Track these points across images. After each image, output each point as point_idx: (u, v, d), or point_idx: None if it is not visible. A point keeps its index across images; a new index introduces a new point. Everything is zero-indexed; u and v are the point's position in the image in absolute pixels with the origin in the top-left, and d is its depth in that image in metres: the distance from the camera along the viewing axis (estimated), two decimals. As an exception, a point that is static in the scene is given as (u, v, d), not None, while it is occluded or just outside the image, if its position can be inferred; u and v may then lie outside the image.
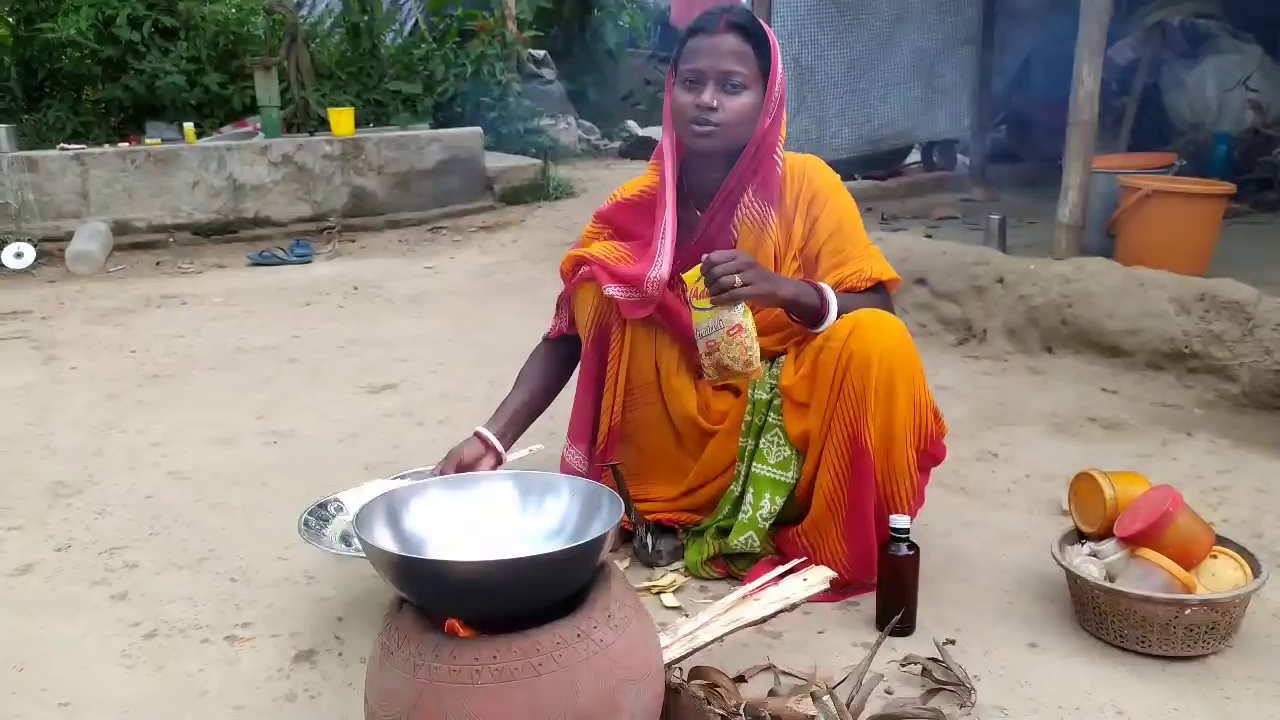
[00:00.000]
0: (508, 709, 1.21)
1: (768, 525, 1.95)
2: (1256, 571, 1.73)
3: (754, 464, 1.96)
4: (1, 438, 2.94)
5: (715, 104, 1.88)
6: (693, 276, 1.82)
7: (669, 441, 2.10)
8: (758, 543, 1.95)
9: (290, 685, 1.70)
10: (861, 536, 1.86)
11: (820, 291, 1.90)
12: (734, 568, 2.01)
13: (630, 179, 2.17)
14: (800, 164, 2.04)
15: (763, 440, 1.96)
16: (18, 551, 2.22)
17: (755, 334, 1.81)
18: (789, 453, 1.94)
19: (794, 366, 1.94)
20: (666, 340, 2.04)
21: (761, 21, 1.98)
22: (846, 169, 4.39)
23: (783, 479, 1.94)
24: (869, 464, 1.82)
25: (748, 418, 1.98)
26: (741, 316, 1.79)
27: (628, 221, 2.13)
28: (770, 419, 1.95)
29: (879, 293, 2.00)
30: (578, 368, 2.16)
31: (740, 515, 1.97)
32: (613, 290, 1.98)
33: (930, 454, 1.93)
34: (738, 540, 1.96)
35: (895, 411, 1.81)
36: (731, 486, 2.01)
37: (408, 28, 8.52)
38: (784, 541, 1.98)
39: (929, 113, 5.46)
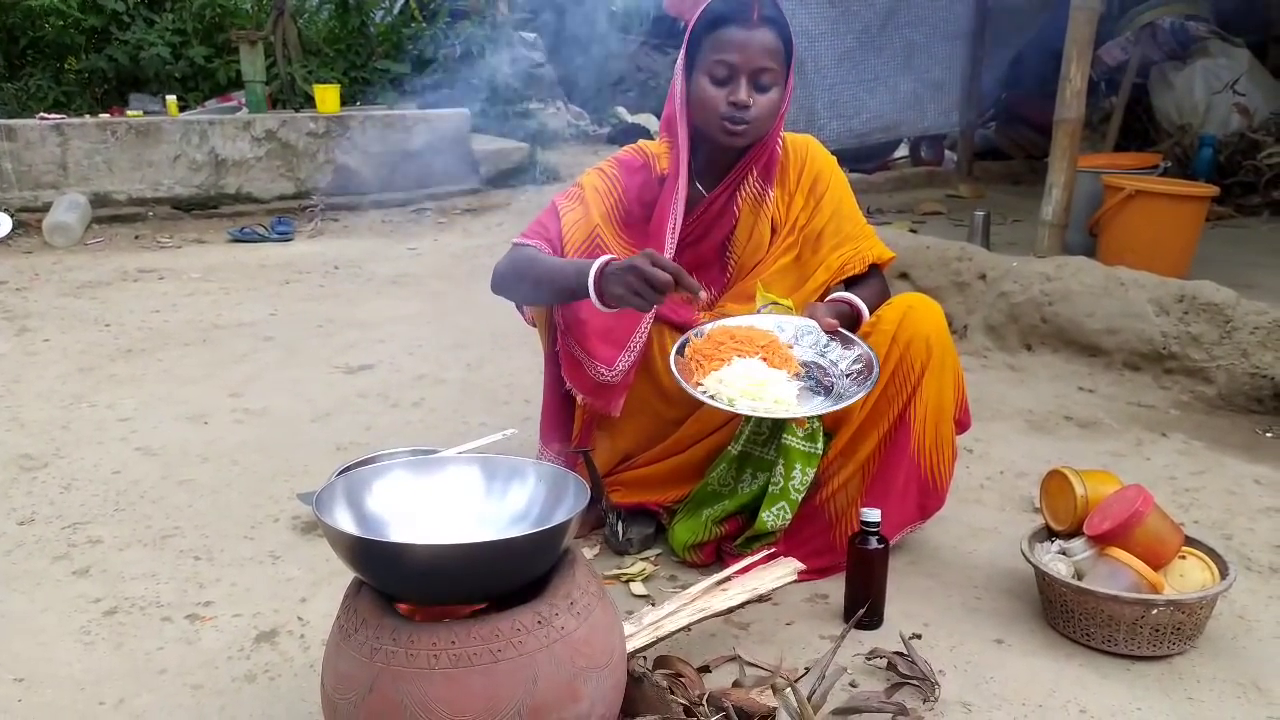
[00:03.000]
0: (465, 695, 1.19)
1: (800, 497, 1.95)
2: (1224, 573, 1.74)
3: (784, 436, 1.94)
4: (-32, 409, 2.90)
5: (750, 102, 1.87)
6: (763, 294, 1.94)
7: (661, 408, 2.05)
8: (789, 514, 1.94)
9: (250, 665, 1.68)
10: (892, 500, 1.93)
11: (852, 305, 1.96)
12: (728, 549, 2.00)
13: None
14: (802, 143, 2.09)
15: None
16: (-21, 524, 2.19)
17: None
18: (817, 424, 1.95)
19: None
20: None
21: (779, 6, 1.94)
22: (833, 161, 4.36)
23: (813, 451, 1.95)
24: (908, 439, 1.92)
25: None
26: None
27: (633, 185, 2.04)
28: None
29: (876, 274, 2.06)
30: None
31: (771, 487, 1.95)
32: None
33: (960, 422, 2.01)
34: (769, 513, 1.93)
35: (945, 388, 1.92)
36: (730, 446, 1.99)
37: (397, 6, 8.41)
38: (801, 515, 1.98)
39: (918, 108, 5.43)
